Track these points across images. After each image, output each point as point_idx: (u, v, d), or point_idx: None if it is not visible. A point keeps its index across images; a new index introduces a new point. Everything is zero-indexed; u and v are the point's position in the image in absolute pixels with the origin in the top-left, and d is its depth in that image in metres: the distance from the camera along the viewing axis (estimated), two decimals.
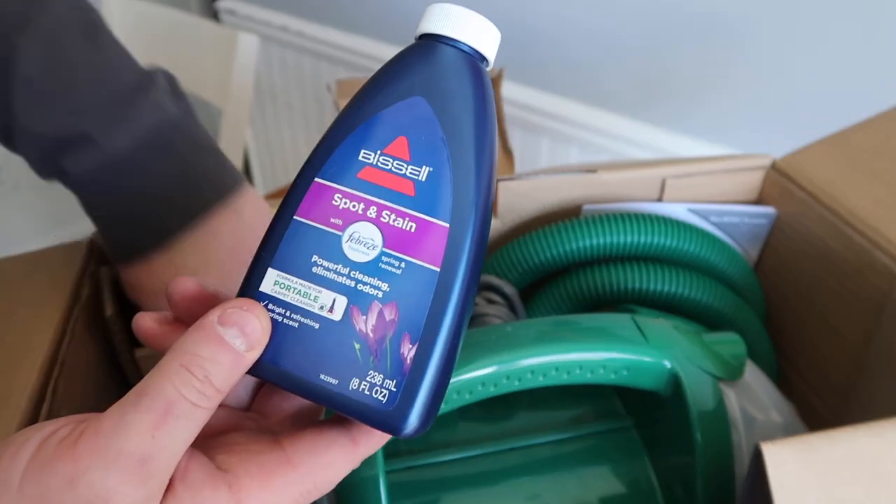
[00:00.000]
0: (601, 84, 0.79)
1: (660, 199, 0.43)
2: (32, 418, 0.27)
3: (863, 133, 0.42)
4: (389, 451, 0.34)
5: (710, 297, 0.40)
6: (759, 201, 0.44)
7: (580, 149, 0.81)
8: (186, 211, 0.32)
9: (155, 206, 0.32)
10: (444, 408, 0.30)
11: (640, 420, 0.35)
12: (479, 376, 0.29)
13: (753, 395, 0.33)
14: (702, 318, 0.40)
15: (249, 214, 0.34)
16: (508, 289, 0.39)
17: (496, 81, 0.50)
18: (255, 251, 0.21)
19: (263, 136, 1.26)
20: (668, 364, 0.31)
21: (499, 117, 0.50)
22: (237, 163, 0.95)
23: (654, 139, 0.75)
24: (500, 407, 0.37)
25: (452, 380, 0.29)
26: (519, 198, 0.41)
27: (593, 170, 0.42)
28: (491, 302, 0.38)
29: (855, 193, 0.38)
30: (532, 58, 0.82)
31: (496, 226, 0.42)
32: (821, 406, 0.41)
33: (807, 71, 0.65)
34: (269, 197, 0.42)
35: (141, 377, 0.33)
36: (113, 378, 0.35)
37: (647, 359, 0.30)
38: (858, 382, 0.38)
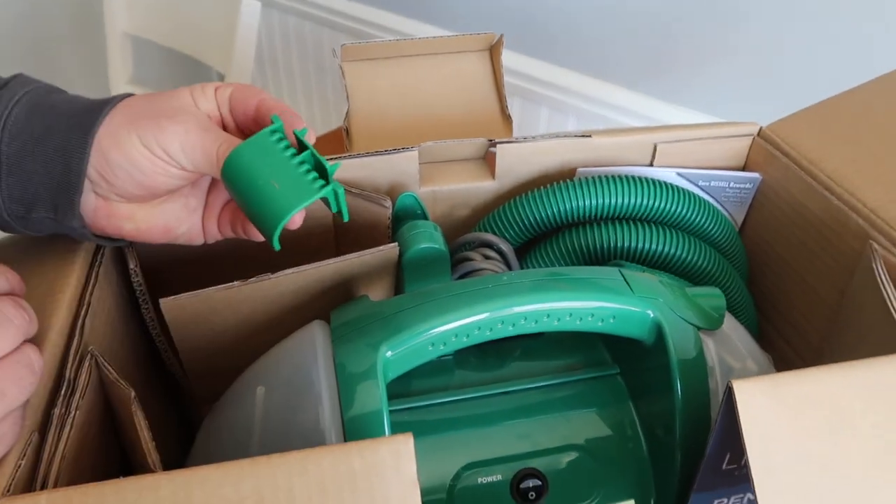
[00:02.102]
0: (602, 55, 0.80)
1: (651, 164, 0.45)
2: (65, 352, 0.29)
3: (846, 102, 0.44)
4: (389, 394, 0.36)
5: (695, 256, 0.42)
6: (745, 167, 0.46)
7: (578, 118, 0.82)
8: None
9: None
10: (443, 350, 0.32)
11: (626, 368, 0.37)
12: (476, 321, 0.31)
13: (731, 344, 0.35)
14: (688, 275, 0.42)
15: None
16: (504, 245, 0.41)
17: (495, 48, 0.51)
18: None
19: None
20: (651, 313, 0.33)
21: (497, 83, 0.51)
22: None
23: (651, 110, 0.77)
24: (494, 356, 0.39)
25: (451, 325, 0.31)
26: (516, 160, 0.43)
27: (588, 134, 0.43)
28: (487, 258, 0.40)
29: (835, 159, 0.40)
30: (533, 28, 0.83)
31: (493, 187, 0.44)
32: (797, 360, 0.44)
33: (800, 43, 0.67)
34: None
35: (162, 324, 0.35)
36: (131, 325, 0.38)
37: (632, 308, 0.33)
38: (831, 337, 0.40)
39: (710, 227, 0.43)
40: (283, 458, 0.24)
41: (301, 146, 0.32)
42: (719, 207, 0.45)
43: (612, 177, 0.41)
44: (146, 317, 0.36)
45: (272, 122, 0.32)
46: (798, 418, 0.27)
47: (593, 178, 0.41)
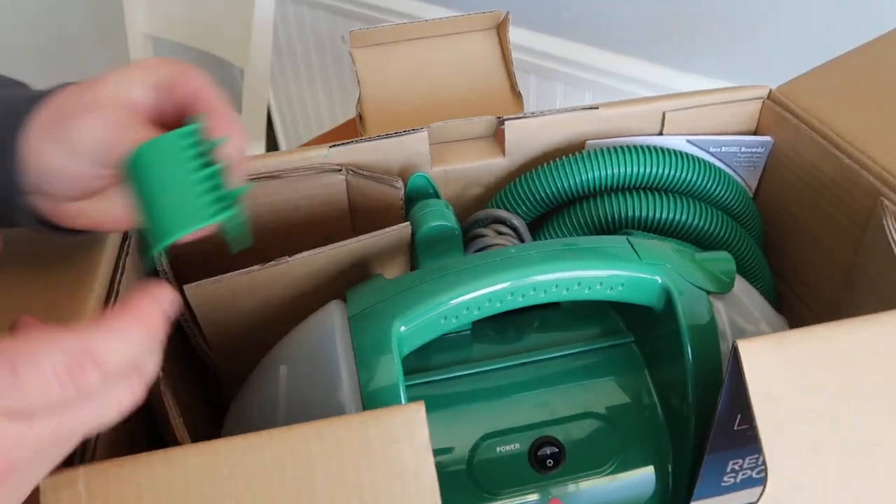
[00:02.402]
0: (611, 26, 0.79)
1: (660, 133, 0.45)
2: None
3: (857, 59, 0.43)
4: (407, 369, 0.38)
5: (707, 223, 0.42)
6: (756, 132, 0.46)
7: (593, 93, 0.82)
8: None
9: None
10: (456, 323, 0.33)
11: (640, 336, 0.38)
12: (486, 293, 0.32)
13: (743, 308, 0.35)
14: (701, 243, 0.43)
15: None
16: (516, 221, 0.42)
17: (502, 26, 0.51)
18: None
19: (285, 93, 1.28)
20: (659, 279, 0.33)
21: (506, 61, 0.52)
22: (261, 121, 0.98)
23: (666, 79, 0.76)
24: (511, 329, 0.40)
25: (462, 298, 0.32)
26: (525, 136, 0.44)
27: (595, 106, 0.44)
28: (500, 233, 0.41)
29: (845, 117, 0.40)
30: (542, 3, 0.83)
31: (504, 163, 0.45)
32: (813, 321, 0.44)
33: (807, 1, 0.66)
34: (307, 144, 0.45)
35: (190, 310, 0.36)
36: None
37: (640, 274, 0.33)
38: (846, 295, 0.40)
39: (722, 193, 0.43)
40: (302, 428, 0.26)
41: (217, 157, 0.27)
42: (731, 173, 0.45)
43: (621, 147, 0.42)
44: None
45: (189, 123, 0.27)
46: (805, 376, 0.27)
47: (602, 149, 0.42)
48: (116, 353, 0.22)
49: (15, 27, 1.19)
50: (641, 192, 0.42)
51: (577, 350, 0.38)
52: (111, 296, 0.33)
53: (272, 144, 1.41)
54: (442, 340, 0.40)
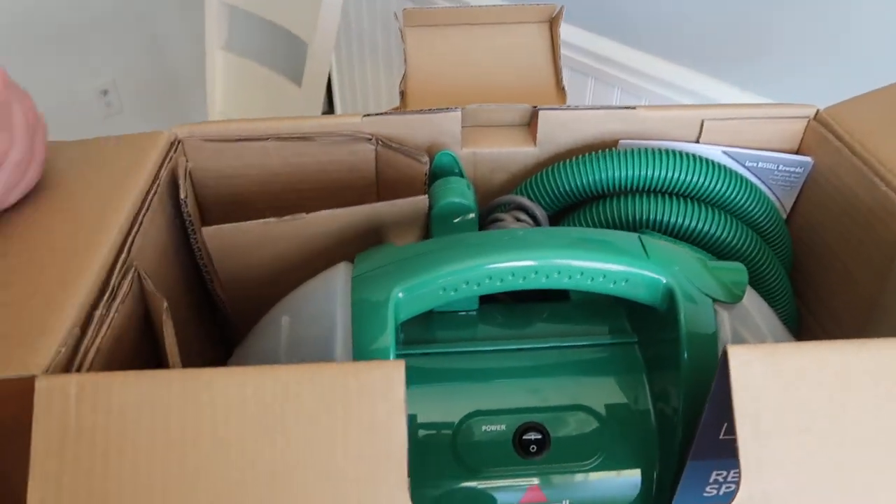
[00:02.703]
0: (654, 30, 0.78)
1: (697, 141, 0.44)
2: (112, 264, 0.32)
3: None
4: (409, 339, 0.38)
5: (734, 238, 0.41)
6: (797, 152, 0.45)
7: (621, 91, 0.81)
8: None
9: None
10: (455, 296, 0.33)
11: (643, 338, 0.37)
12: (486, 270, 0.32)
13: (750, 321, 0.34)
14: (723, 255, 0.42)
15: None
16: (538, 211, 0.42)
17: (555, 20, 0.51)
18: None
19: (348, 71, 1.30)
20: (664, 280, 0.33)
21: (554, 56, 0.52)
22: (319, 96, 1.00)
23: (702, 87, 0.75)
24: (518, 315, 0.40)
25: (462, 271, 0.33)
26: (557, 128, 0.44)
27: (633, 107, 0.43)
28: (518, 220, 0.41)
29: (890, 147, 0.39)
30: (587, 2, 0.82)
31: (534, 153, 0.45)
32: None
33: (866, 24, 0.63)
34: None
35: (208, 254, 0.38)
36: (181, 252, 0.41)
37: (645, 272, 0.33)
38: (868, 327, 0.39)
39: (753, 208, 0.42)
40: (285, 369, 0.26)
41: None
42: (766, 190, 0.44)
43: (655, 150, 0.41)
44: (193, 246, 0.40)
45: None
46: (795, 390, 0.26)
47: (636, 149, 0.41)
48: None
49: None
50: (669, 196, 0.42)
51: (578, 344, 0.38)
52: (133, 225, 0.35)
53: None
54: (448, 317, 0.40)
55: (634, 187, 0.42)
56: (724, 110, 0.43)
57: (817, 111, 0.43)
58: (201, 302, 0.43)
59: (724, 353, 0.27)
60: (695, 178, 0.41)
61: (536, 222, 0.42)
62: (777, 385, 0.27)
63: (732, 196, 0.41)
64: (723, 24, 0.74)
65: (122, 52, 1.49)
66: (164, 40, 1.55)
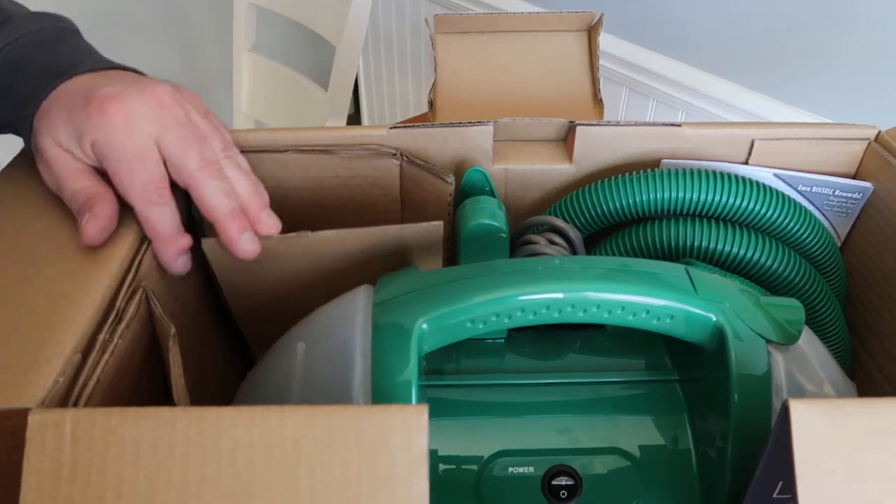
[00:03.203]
0: (690, 40, 0.75)
1: (745, 162, 0.41)
2: (119, 284, 0.30)
3: None
4: (433, 369, 0.36)
5: (785, 267, 0.38)
6: (855, 176, 0.41)
7: (657, 103, 0.78)
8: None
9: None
10: (483, 329, 0.31)
11: (685, 376, 0.35)
12: (518, 303, 0.30)
13: (806, 364, 0.32)
14: (774, 288, 0.39)
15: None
16: (573, 233, 0.39)
17: (594, 29, 0.49)
18: None
19: (376, 76, 1.29)
20: (714, 317, 0.30)
21: (592, 66, 0.49)
22: (345, 101, 0.98)
23: (745, 102, 0.72)
24: (550, 345, 0.38)
25: (491, 303, 0.30)
26: (596, 144, 0.41)
27: (677, 124, 0.41)
28: (552, 243, 0.39)
29: None
30: (622, 7, 0.79)
31: (570, 171, 0.42)
32: (890, 393, 0.39)
33: None
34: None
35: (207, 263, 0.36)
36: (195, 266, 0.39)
37: (693, 309, 0.30)
38: None
39: (806, 236, 0.39)
40: (295, 411, 0.24)
41: None
42: (820, 217, 0.41)
43: (700, 171, 0.38)
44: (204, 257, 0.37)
45: None
46: (862, 452, 0.24)
47: (679, 170, 0.39)
48: None
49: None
50: (716, 222, 0.39)
51: (614, 380, 0.35)
52: (143, 243, 0.33)
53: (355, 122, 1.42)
54: (474, 345, 0.38)
55: (677, 211, 0.39)
56: (776, 130, 0.40)
57: (878, 133, 0.40)
58: (217, 318, 0.41)
59: (786, 408, 0.24)
60: (743, 203, 0.38)
61: (571, 245, 0.39)
62: (843, 446, 0.24)
63: (784, 223, 0.38)
64: (771, 36, 0.70)
65: (153, 54, 1.49)
66: (194, 41, 1.54)
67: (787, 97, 0.71)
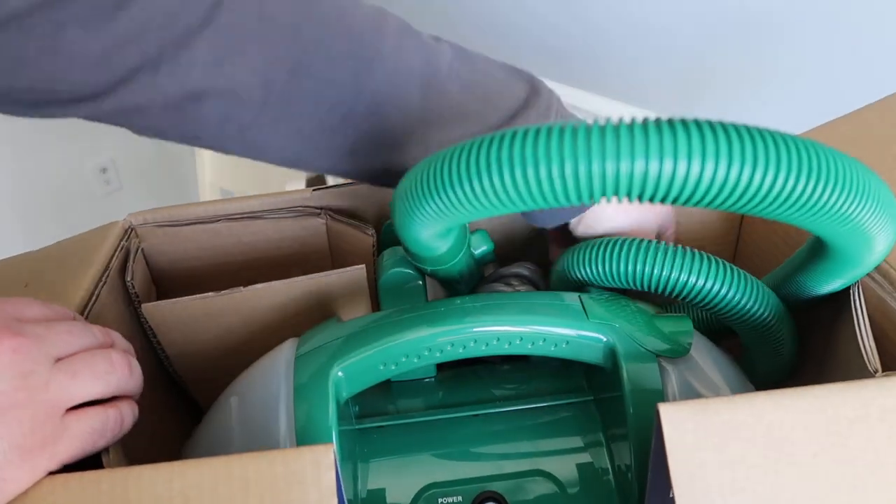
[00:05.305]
0: (638, 80, 0.79)
1: None
2: None
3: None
4: (365, 412, 0.38)
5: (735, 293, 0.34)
6: None
7: None
8: None
9: None
10: (395, 370, 0.33)
11: (598, 396, 0.37)
12: (425, 343, 0.32)
13: (699, 372, 0.34)
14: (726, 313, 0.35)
15: None
16: (526, 270, 0.42)
17: None
18: None
19: None
20: (604, 338, 0.33)
21: None
22: None
23: None
24: (475, 379, 0.40)
25: (398, 346, 0.32)
26: None
27: None
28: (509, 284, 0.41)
29: None
30: (570, 56, 0.84)
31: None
32: None
33: (849, 70, 0.64)
34: None
35: (151, 329, 0.38)
36: (136, 331, 0.41)
37: (584, 332, 0.33)
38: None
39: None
40: (211, 462, 0.26)
41: None
42: None
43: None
44: (144, 325, 0.40)
45: None
46: (729, 446, 0.26)
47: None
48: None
49: None
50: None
51: (535, 405, 0.38)
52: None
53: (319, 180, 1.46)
54: (405, 385, 0.40)
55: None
56: None
57: None
58: (165, 379, 0.43)
59: (657, 412, 0.26)
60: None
61: (531, 283, 0.42)
62: (711, 442, 0.26)
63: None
64: (717, 75, 0.74)
65: (120, 131, 1.54)
66: None
67: None
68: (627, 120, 0.23)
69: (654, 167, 0.22)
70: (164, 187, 1.64)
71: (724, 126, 0.23)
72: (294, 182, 1.02)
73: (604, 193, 0.24)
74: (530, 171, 0.22)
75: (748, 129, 0.23)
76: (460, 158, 0.24)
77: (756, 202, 0.24)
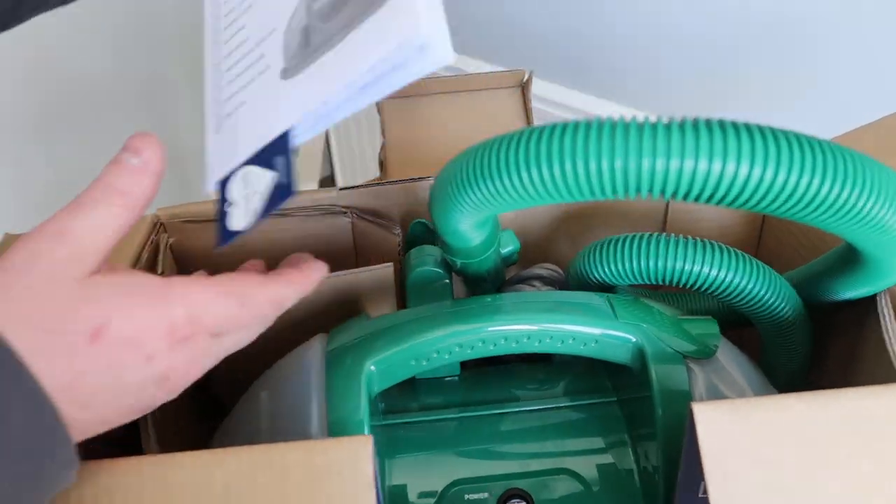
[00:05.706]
0: (633, 84, 0.80)
1: None
2: None
3: None
4: (390, 409, 0.38)
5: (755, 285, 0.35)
6: None
7: None
8: None
9: None
10: (426, 366, 0.34)
11: (623, 397, 0.37)
12: (456, 339, 0.33)
13: (725, 375, 0.34)
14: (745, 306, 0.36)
15: None
16: (546, 272, 0.42)
17: (526, 85, 0.53)
18: None
19: (345, 137, 1.33)
20: (633, 338, 0.33)
21: (528, 120, 0.53)
22: (316, 163, 1.02)
23: None
24: (499, 378, 0.41)
25: (431, 342, 0.33)
26: None
27: None
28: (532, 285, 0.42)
29: None
30: (564, 57, 0.84)
31: (510, 216, 0.46)
32: None
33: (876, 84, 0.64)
34: None
35: None
36: None
37: (613, 332, 0.33)
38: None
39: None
40: (250, 451, 0.27)
41: None
42: None
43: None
44: None
45: None
46: (762, 446, 0.26)
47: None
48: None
49: (104, 71, 1.31)
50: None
51: (560, 405, 0.38)
52: None
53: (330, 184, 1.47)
54: (430, 383, 0.41)
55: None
56: None
57: None
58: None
59: (690, 412, 0.27)
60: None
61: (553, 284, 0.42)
62: (745, 443, 0.26)
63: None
64: (707, 78, 0.75)
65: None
66: (167, 118, 1.59)
67: None
68: (678, 119, 0.24)
69: (702, 166, 0.22)
70: (179, 188, 1.64)
71: (773, 132, 0.23)
72: (306, 183, 1.02)
73: (638, 190, 0.24)
74: (580, 165, 0.23)
75: (797, 135, 0.23)
76: (509, 149, 0.25)
77: (800, 207, 0.24)
